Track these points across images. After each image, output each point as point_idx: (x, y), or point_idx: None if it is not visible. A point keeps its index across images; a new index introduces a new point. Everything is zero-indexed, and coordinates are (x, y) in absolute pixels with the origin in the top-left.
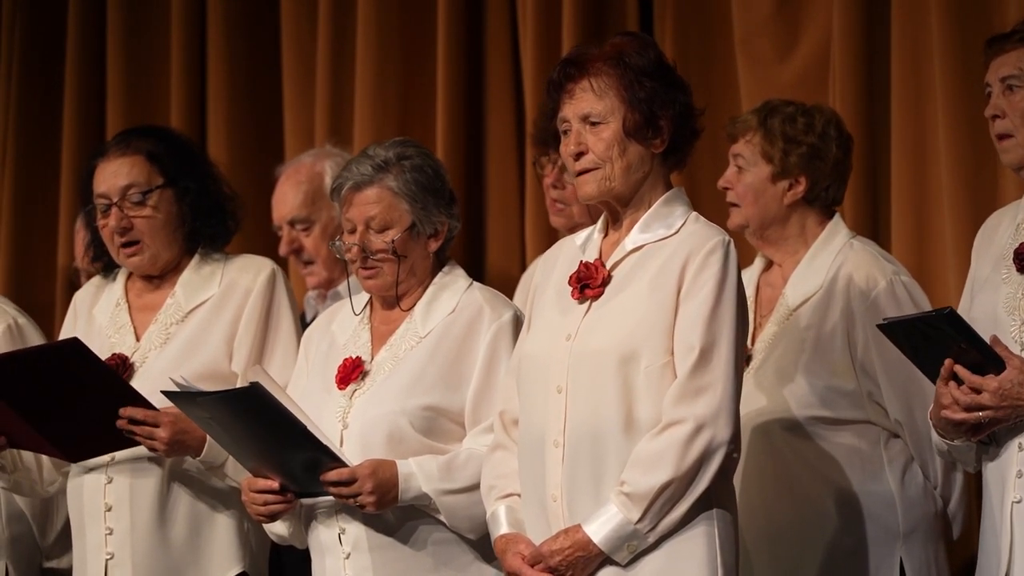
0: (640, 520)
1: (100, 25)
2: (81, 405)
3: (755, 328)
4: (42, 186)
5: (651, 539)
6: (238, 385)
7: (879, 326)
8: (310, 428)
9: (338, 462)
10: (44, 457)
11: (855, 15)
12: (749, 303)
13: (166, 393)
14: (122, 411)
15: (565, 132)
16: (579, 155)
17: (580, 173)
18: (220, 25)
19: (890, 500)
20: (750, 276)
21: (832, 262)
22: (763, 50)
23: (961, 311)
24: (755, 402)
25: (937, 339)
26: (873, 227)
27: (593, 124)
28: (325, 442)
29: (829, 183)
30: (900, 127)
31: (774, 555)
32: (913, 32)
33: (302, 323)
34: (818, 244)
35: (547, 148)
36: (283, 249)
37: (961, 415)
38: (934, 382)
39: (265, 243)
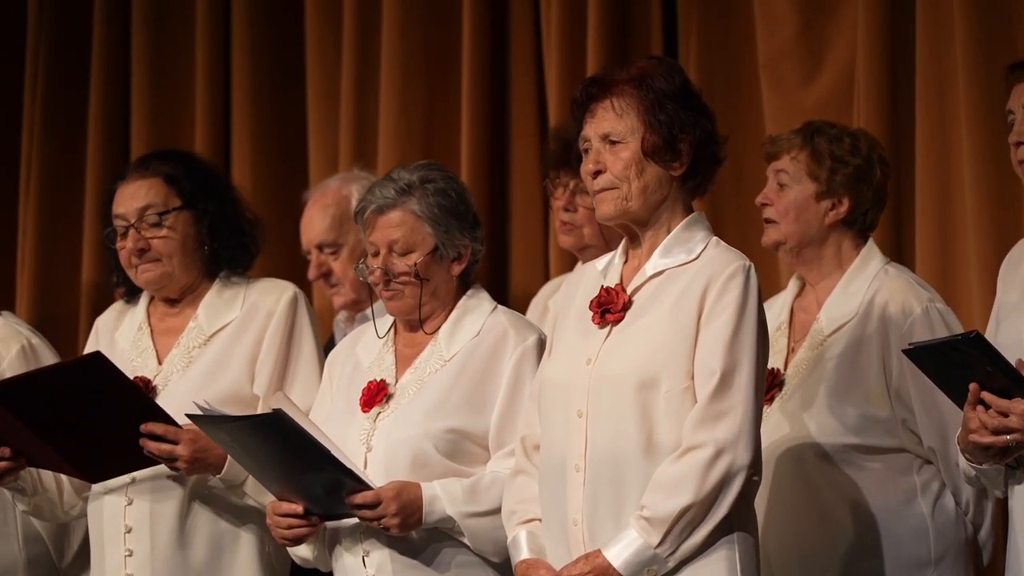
0: (660, 544)
1: (125, 45)
2: (102, 423)
3: (788, 353)
4: (66, 202)
5: (671, 564)
6: (260, 410)
7: (905, 351)
8: (333, 452)
9: (362, 485)
10: (65, 481)
11: (879, 39)
12: (783, 328)
13: (190, 416)
14: (143, 427)
15: (586, 151)
16: (597, 173)
17: (598, 192)
18: (244, 47)
19: (922, 527)
20: (784, 300)
21: (867, 288)
22: (787, 73)
23: (987, 338)
24: (787, 428)
25: (963, 363)
26: (897, 251)
27: (612, 143)
28: (349, 465)
29: (869, 207)
30: (924, 151)
31: None
32: (937, 57)
33: (331, 346)
34: (853, 270)
35: (559, 171)
36: (312, 273)
37: (989, 439)
38: (960, 407)
39: (289, 266)
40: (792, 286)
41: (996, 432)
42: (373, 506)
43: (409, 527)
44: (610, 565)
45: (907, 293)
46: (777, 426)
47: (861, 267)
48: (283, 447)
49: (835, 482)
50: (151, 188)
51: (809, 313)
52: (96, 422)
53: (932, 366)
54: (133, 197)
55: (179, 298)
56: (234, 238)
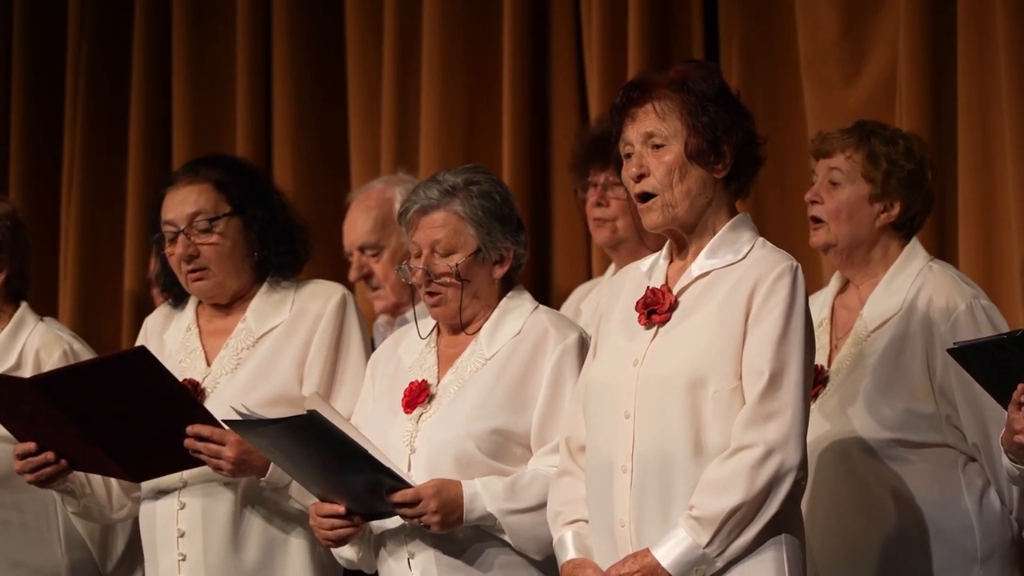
0: (709, 544)
1: (165, 53)
2: (146, 420)
3: (831, 350)
4: (109, 213)
5: (719, 564)
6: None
7: (949, 351)
8: (370, 450)
9: (402, 483)
10: (113, 481)
11: (921, 39)
12: (824, 324)
13: (228, 422)
14: (189, 429)
15: (628, 155)
16: (640, 177)
17: (641, 196)
18: (285, 51)
19: (968, 524)
20: (825, 297)
21: (911, 285)
22: (829, 74)
23: None
24: (831, 424)
25: (1008, 363)
26: (940, 250)
27: (656, 147)
28: (387, 464)
29: (918, 211)
30: (967, 151)
31: None
32: (979, 57)
33: (370, 350)
34: (896, 266)
35: (587, 170)
36: (353, 275)
37: None
38: (1005, 407)
39: (332, 268)
40: (834, 283)
41: None
42: (413, 504)
43: (450, 525)
44: (659, 564)
45: (951, 289)
46: (820, 422)
47: (904, 264)
48: (320, 448)
49: (881, 478)
50: (200, 194)
51: (851, 310)
52: (140, 419)
53: (976, 366)
54: (183, 203)
55: (228, 303)
56: (284, 244)
